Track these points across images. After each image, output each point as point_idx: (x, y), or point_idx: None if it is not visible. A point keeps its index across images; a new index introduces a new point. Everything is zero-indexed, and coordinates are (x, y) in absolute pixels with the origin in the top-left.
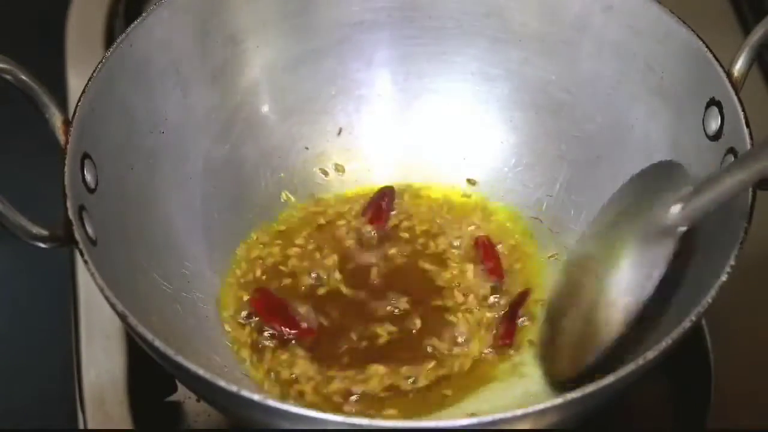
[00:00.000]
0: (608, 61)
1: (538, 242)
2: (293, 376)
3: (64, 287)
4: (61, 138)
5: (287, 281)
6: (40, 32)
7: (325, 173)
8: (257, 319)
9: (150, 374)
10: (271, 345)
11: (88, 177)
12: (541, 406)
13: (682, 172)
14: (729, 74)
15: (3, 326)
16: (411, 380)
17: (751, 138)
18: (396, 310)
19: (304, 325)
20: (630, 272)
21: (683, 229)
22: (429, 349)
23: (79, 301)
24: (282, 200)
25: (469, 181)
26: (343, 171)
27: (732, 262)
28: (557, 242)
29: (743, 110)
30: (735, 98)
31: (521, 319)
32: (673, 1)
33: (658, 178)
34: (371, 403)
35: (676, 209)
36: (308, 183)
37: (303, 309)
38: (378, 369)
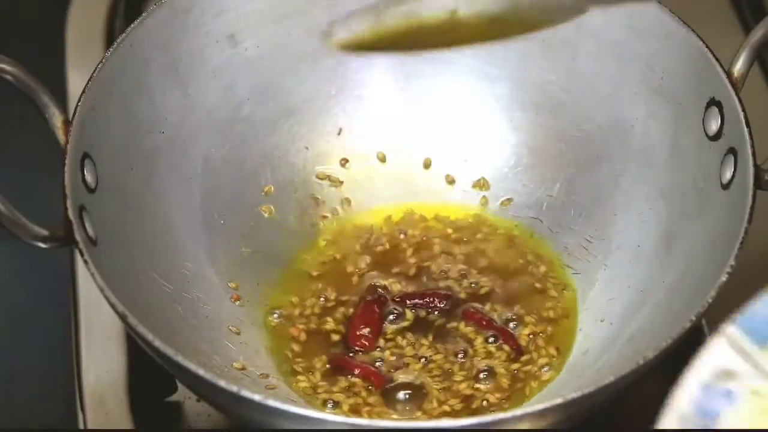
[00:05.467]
0: (608, 61)
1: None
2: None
3: (64, 287)
4: (61, 138)
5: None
6: (40, 32)
7: (326, 174)
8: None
9: (150, 374)
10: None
11: (88, 177)
12: (541, 406)
13: None
14: (729, 74)
15: (3, 326)
16: None
17: (751, 138)
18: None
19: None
20: None
21: None
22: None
23: (79, 301)
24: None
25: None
26: (345, 171)
27: (732, 262)
28: (557, 242)
29: (743, 110)
30: (735, 98)
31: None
32: (673, 1)
33: None
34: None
35: None
36: (308, 183)
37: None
38: None
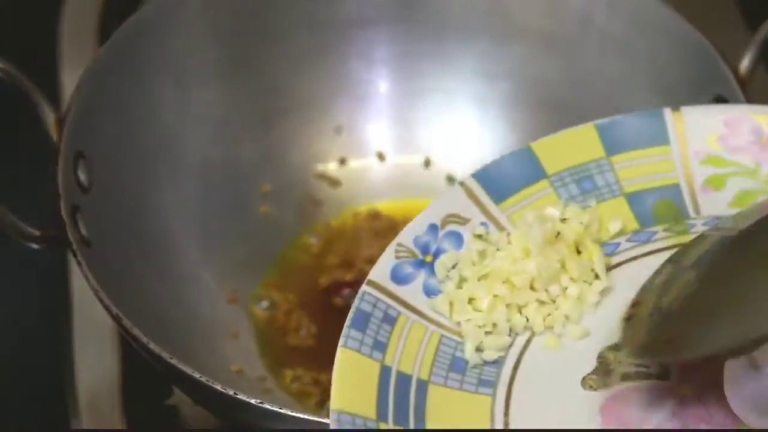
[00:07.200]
0: (611, 58)
1: None
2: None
3: (58, 289)
4: (55, 136)
5: None
6: (32, 29)
7: (324, 173)
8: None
9: (146, 377)
10: None
11: (82, 176)
12: None
13: None
14: (735, 71)
15: None
16: None
17: None
18: None
19: None
20: None
21: None
22: None
23: (73, 302)
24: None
25: None
26: (343, 170)
27: None
28: None
29: None
30: (741, 96)
31: None
32: None
33: None
34: None
35: None
36: (307, 183)
37: None
38: None
